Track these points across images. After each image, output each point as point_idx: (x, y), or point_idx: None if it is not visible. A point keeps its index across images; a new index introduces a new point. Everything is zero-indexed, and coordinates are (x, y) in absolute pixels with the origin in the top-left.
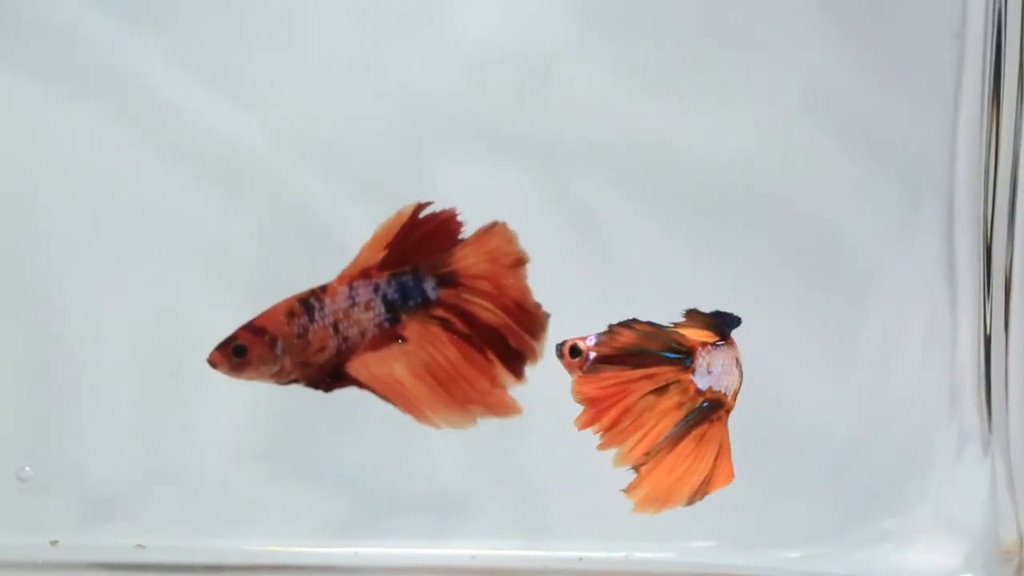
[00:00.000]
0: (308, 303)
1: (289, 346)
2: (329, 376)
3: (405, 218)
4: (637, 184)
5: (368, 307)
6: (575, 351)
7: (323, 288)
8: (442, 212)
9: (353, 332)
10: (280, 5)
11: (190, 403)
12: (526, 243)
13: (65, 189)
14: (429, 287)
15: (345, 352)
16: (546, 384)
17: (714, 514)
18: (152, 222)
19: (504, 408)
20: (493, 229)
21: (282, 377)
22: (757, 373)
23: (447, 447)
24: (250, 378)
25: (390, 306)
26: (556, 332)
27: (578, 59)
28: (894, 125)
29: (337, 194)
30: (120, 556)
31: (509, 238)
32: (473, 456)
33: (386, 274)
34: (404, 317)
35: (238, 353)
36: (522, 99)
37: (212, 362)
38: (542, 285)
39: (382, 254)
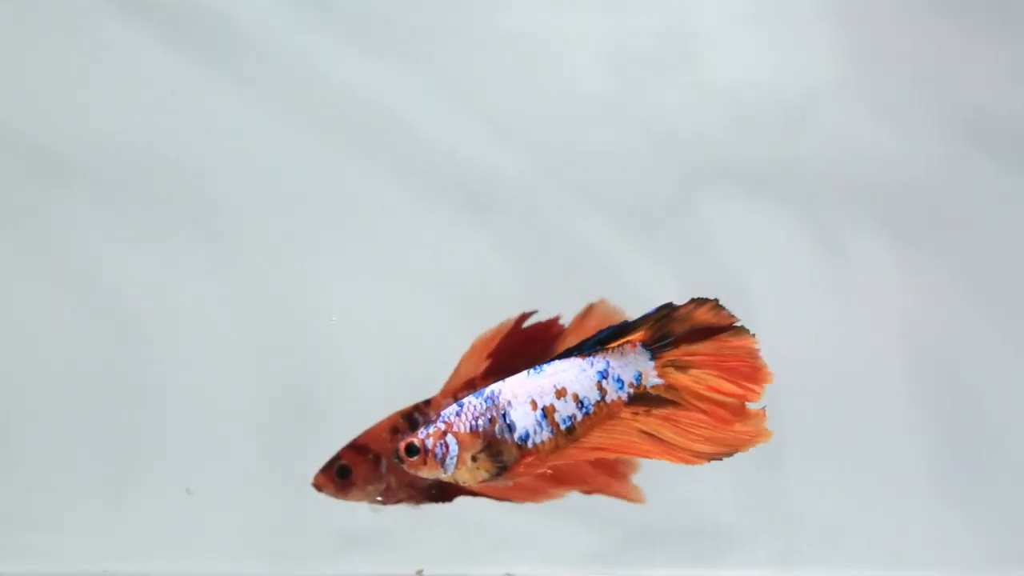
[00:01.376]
0: (412, 418)
1: (393, 464)
2: (437, 492)
3: (507, 329)
4: (890, 222)
5: None
6: (412, 449)
7: (427, 402)
8: (547, 321)
9: None
10: (537, 42)
11: None
12: (780, 277)
13: (322, 223)
14: None
15: None
16: (807, 412)
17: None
18: (410, 256)
19: (628, 496)
20: (590, 310)
21: (389, 497)
22: (987, 400)
23: (712, 479)
24: (357, 499)
25: None
26: (802, 365)
27: (835, 99)
28: None
29: (598, 227)
30: None
31: (608, 313)
32: (737, 487)
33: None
34: None
35: (342, 473)
36: (780, 138)
37: (317, 485)
38: (792, 317)
39: (485, 364)
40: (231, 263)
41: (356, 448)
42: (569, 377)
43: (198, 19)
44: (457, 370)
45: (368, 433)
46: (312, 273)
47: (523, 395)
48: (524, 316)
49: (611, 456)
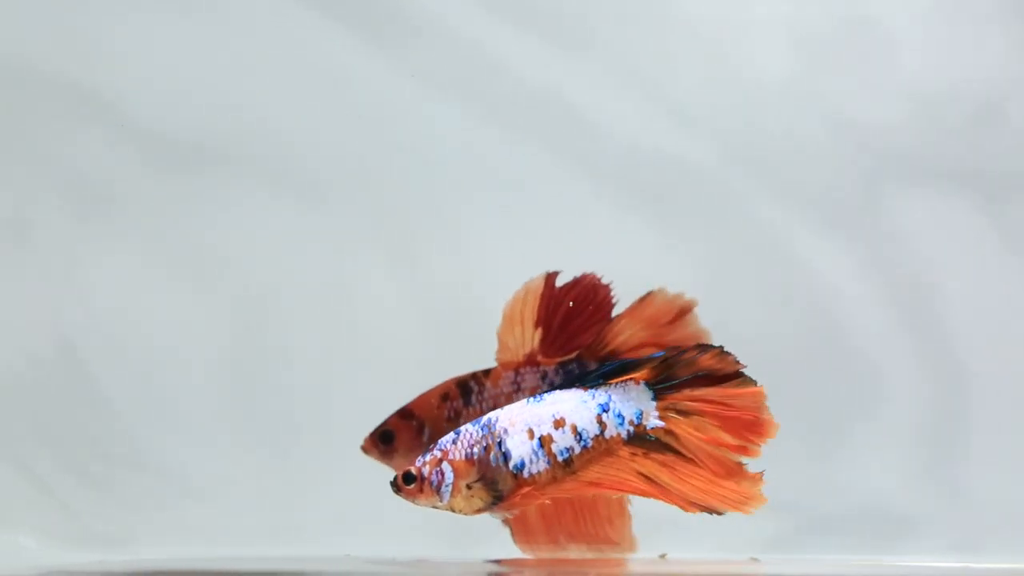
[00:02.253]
0: (467, 386)
1: (436, 431)
2: None
3: (538, 292)
4: None
5: (533, 393)
6: (409, 478)
7: (486, 372)
8: (582, 277)
9: None
10: (721, 27)
11: None
12: (966, 272)
13: (500, 214)
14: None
15: None
16: (987, 402)
17: None
18: (590, 246)
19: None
20: (647, 299)
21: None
22: None
23: (890, 466)
24: (401, 468)
25: None
26: (988, 361)
27: (1020, 94)
28: None
29: (781, 217)
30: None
31: (665, 298)
32: (914, 474)
33: (554, 363)
34: None
35: (384, 439)
36: (966, 132)
37: (364, 449)
38: (978, 312)
39: (536, 334)
40: (405, 254)
41: (402, 414)
42: (569, 408)
43: (372, 8)
44: (503, 344)
45: (418, 399)
46: (491, 265)
47: (520, 423)
48: (552, 276)
49: (608, 493)
